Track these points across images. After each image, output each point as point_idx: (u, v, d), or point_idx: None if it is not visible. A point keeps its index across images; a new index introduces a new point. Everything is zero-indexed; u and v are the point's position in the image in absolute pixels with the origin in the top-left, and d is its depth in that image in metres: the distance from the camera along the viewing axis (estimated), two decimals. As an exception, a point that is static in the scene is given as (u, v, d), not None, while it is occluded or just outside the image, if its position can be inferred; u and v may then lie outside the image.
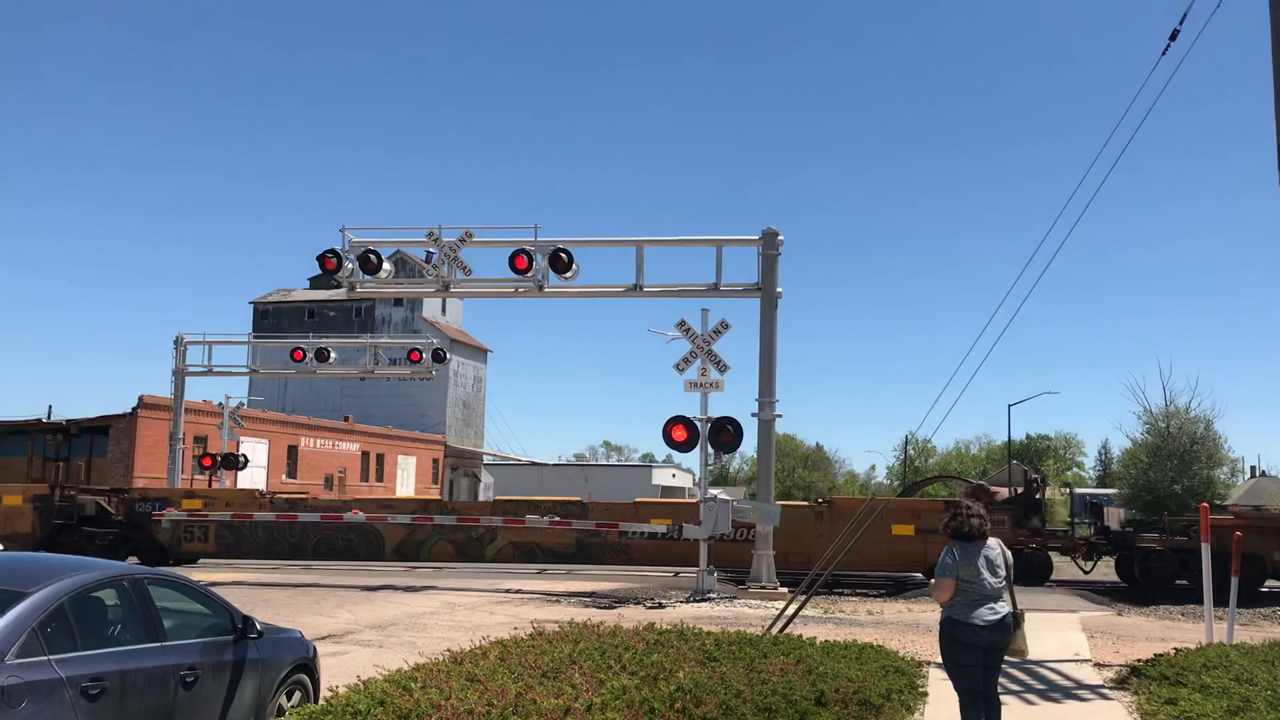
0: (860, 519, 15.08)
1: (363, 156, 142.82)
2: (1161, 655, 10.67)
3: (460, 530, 24.55)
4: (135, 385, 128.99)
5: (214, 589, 7.46)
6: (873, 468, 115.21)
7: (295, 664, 7.66)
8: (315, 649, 8.17)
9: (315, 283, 74.24)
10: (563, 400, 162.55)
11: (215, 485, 36.40)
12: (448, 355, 36.24)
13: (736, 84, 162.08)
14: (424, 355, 34.26)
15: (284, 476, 52.45)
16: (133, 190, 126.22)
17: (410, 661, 7.66)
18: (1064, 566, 24.48)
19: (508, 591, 19.85)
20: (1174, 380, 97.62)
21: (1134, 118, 12.65)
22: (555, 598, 18.99)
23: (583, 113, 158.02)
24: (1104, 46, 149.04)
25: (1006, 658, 7.23)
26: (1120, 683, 10.47)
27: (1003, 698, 7.88)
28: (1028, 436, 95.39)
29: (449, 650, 7.94)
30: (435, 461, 68.54)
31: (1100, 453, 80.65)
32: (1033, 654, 8.24)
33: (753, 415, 21.06)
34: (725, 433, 20.45)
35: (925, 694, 9.32)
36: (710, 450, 20.72)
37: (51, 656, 5.46)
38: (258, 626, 7.18)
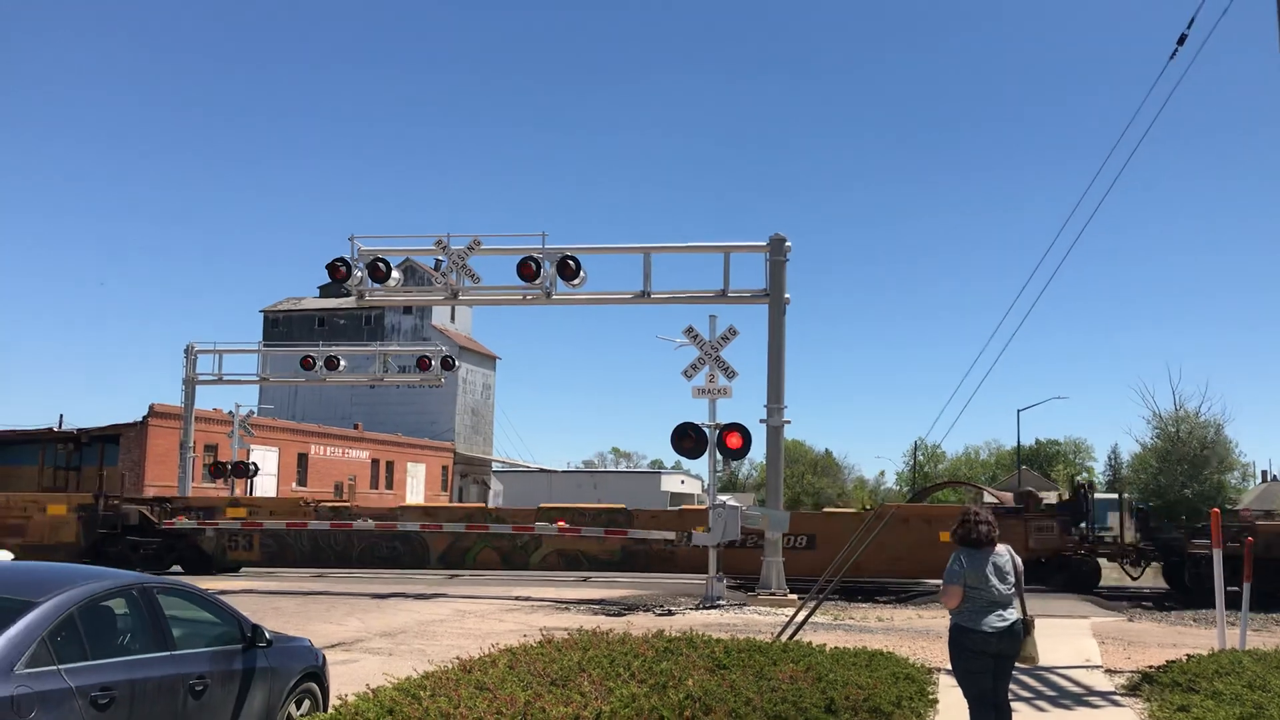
0: (869, 525, 15.04)
1: (372, 165, 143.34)
2: (1174, 661, 10.62)
3: (505, 538, 24.40)
4: (146, 394, 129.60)
5: (223, 597, 7.48)
6: (882, 474, 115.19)
7: (304, 672, 7.66)
8: (324, 657, 8.18)
9: (325, 291, 74.45)
10: (571, 407, 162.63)
11: (225, 494, 36.50)
12: (457, 362, 36.31)
13: (747, 93, 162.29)
14: (433, 363, 34.29)
15: (294, 484, 52.54)
16: (144, 200, 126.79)
17: (420, 669, 7.67)
18: (1108, 572, 24.28)
19: (517, 599, 19.85)
20: (1184, 385, 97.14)
21: (1141, 124, 12.62)
22: (565, 605, 18.98)
23: (591, 121, 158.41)
24: (1114, 56, 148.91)
25: (1017, 664, 7.20)
26: (1132, 689, 10.42)
27: (1013, 704, 7.85)
28: (1037, 441, 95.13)
29: (458, 658, 7.95)
30: (444, 468, 68.62)
31: (1110, 457, 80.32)
32: (1043, 660, 8.20)
33: (761, 421, 21.05)
34: (734, 439, 20.42)
35: (935, 701, 9.29)
36: (719, 457, 20.69)
37: (61, 666, 5.47)
38: (266, 635, 7.19)
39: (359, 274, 21.90)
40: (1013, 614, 6.97)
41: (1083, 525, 23.28)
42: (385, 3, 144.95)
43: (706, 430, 20.45)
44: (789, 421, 21.16)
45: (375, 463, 61.02)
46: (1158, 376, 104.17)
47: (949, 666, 7.33)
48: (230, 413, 40.31)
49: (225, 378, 34.92)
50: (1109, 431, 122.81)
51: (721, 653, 8.50)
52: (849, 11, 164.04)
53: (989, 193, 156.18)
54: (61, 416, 49.12)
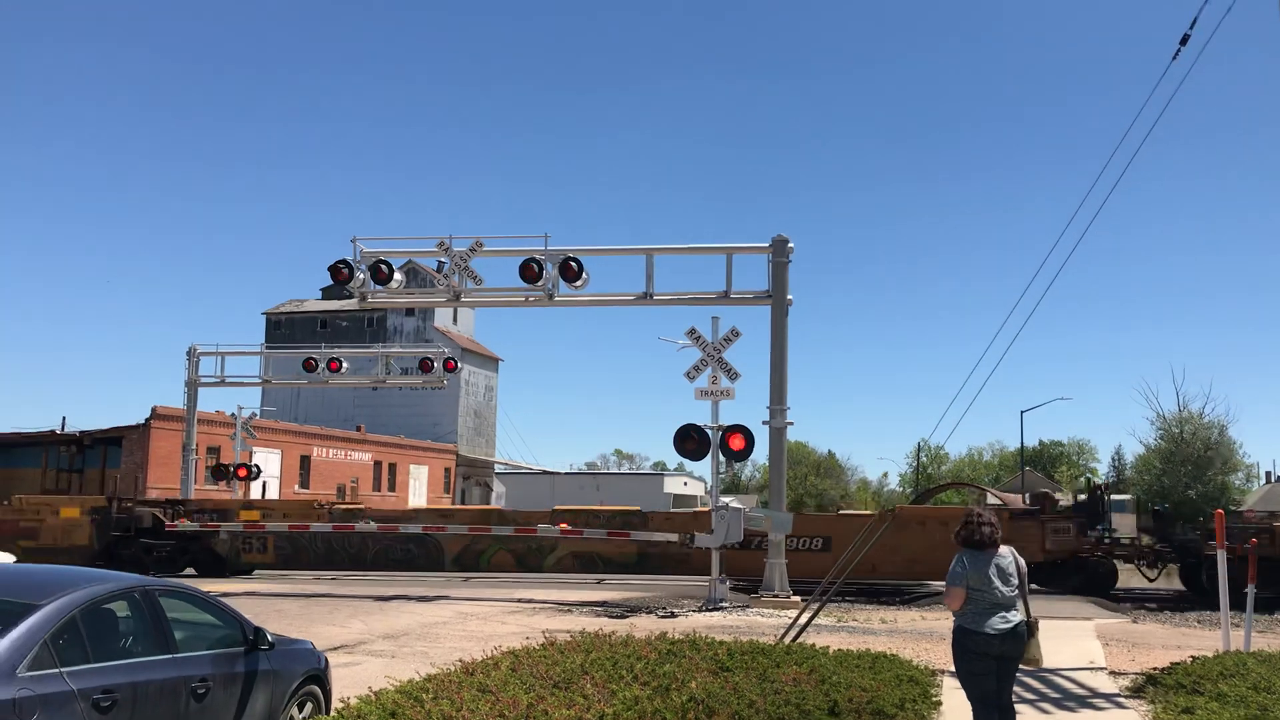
0: (872, 529, 15.01)
1: (374, 167, 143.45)
2: (1178, 663, 10.58)
3: (520, 540, 24.33)
4: (148, 396, 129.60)
5: (226, 599, 7.47)
6: (885, 475, 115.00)
7: (307, 675, 7.65)
8: (327, 660, 8.17)
9: (327, 293, 74.51)
10: (574, 409, 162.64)
11: (228, 496, 36.50)
12: (459, 364, 36.33)
13: (749, 94, 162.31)
14: (435, 364, 34.28)
15: (296, 486, 52.58)
16: (146, 202, 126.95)
17: (422, 672, 7.65)
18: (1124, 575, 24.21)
19: (520, 601, 19.83)
20: (1187, 385, 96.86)
21: (1143, 125, 12.60)
22: (567, 607, 18.96)
23: (593, 123, 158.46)
24: (1114, 57, 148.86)
25: (1021, 666, 7.18)
26: (1136, 691, 10.39)
27: (1017, 707, 7.82)
28: (1040, 442, 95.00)
29: (461, 660, 7.93)
30: (447, 471, 68.61)
31: (1114, 458, 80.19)
32: (1047, 662, 8.17)
33: (764, 423, 21.02)
34: (736, 441, 20.39)
35: (939, 703, 9.26)
36: (721, 459, 20.67)
37: (63, 669, 5.46)
38: (269, 638, 7.18)
39: (361, 276, 21.89)
40: (1016, 616, 6.95)
41: (1099, 527, 23.21)
42: (387, 6, 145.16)
43: (709, 432, 20.43)
44: (791, 423, 21.14)
45: (378, 465, 61.04)
46: (1161, 377, 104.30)
47: (953, 668, 7.31)
48: (233, 415, 40.36)
49: (227, 380, 34.94)
50: (1112, 432, 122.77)
51: (724, 655, 8.48)
52: (849, 13, 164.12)
53: (989, 193, 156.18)
54: (64, 419, 49.10)
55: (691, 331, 20.75)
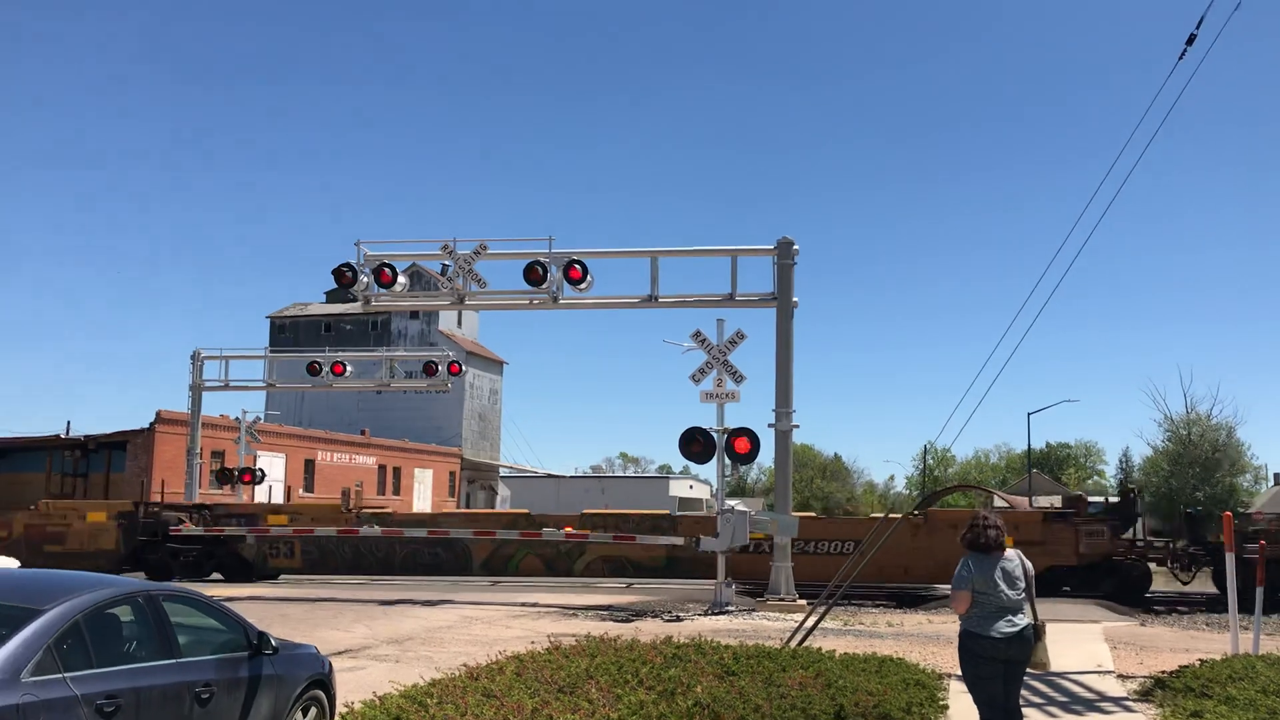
0: (879, 531, 14.95)
1: (378, 171, 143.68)
2: (1186, 667, 10.53)
3: (549, 545, 24.25)
4: (152, 400, 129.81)
5: (231, 604, 7.45)
6: (891, 478, 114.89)
7: (311, 680, 7.62)
8: (331, 664, 8.14)
9: (331, 297, 74.59)
10: (579, 412, 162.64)
11: (232, 499, 36.50)
12: (464, 368, 36.32)
13: (751, 97, 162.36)
14: (440, 368, 34.27)
15: (301, 490, 52.59)
16: (149, 206, 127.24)
17: (426, 677, 7.62)
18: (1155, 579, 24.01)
19: (525, 605, 19.79)
20: (1195, 387, 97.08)
21: (1151, 123, 12.55)
22: (572, 611, 18.92)
23: (596, 126, 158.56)
24: (1115, 56, 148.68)
25: (1028, 670, 7.13)
26: (1144, 695, 10.34)
27: (1025, 710, 7.77)
28: (1048, 445, 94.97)
29: (465, 665, 7.90)
30: (452, 474, 68.62)
31: (1121, 460, 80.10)
32: (1055, 666, 8.13)
33: (770, 426, 20.98)
34: (742, 444, 20.36)
35: (946, 707, 9.22)
36: (727, 462, 20.63)
37: (66, 674, 5.44)
38: (273, 642, 7.16)
39: (365, 279, 21.89)
40: (1023, 619, 6.91)
41: (1133, 530, 23.09)
42: (391, 10, 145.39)
43: (715, 435, 20.40)
44: (797, 426, 21.12)
45: (382, 469, 61.05)
46: (1169, 378, 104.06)
47: (960, 672, 7.27)
48: (237, 419, 40.43)
49: (232, 384, 35.00)
50: (1120, 434, 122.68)
51: (730, 659, 8.45)
52: (850, 16, 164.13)
53: (989, 193, 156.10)
54: (69, 423, 49.22)
55: (696, 334, 20.73)
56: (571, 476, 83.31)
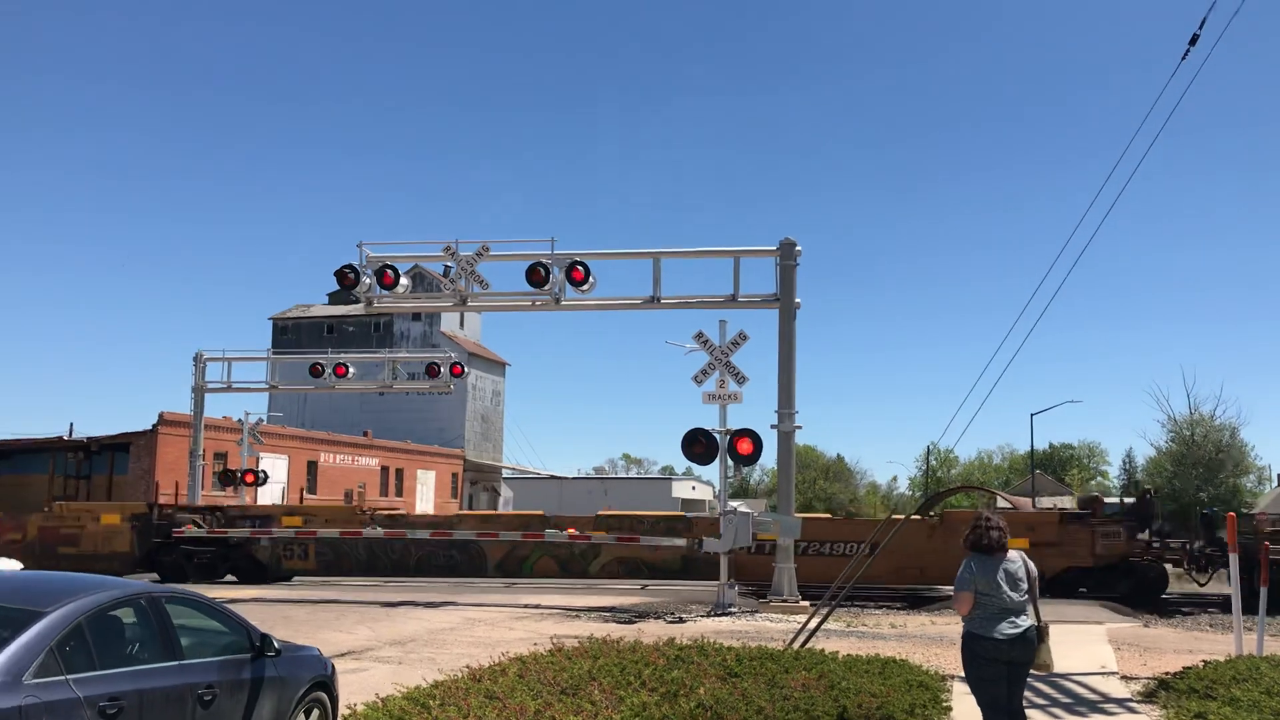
0: (883, 532, 14.94)
1: (381, 172, 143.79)
2: (1190, 668, 10.51)
3: (564, 546, 24.20)
4: (155, 402, 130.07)
5: (233, 606, 7.45)
6: (894, 479, 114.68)
7: (313, 682, 7.62)
8: (334, 666, 8.14)
9: (334, 298, 74.61)
10: (581, 413, 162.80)
11: (236, 501, 36.49)
12: (466, 369, 36.27)
13: (753, 98, 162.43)
14: (442, 369, 34.24)
15: (304, 492, 52.62)
16: (152, 207, 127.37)
17: (429, 678, 7.62)
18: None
19: (528, 607, 19.78)
20: (1198, 388, 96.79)
21: (1152, 124, 12.53)
22: (575, 613, 18.91)
23: (599, 127, 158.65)
24: (1115, 56, 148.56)
25: (1032, 671, 7.12)
26: (1148, 696, 10.31)
27: (1028, 712, 7.76)
28: (1051, 445, 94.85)
29: (468, 667, 7.90)
30: (454, 476, 68.62)
31: (1124, 461, 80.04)
32: (1058, 667, 8.11)
33: (772, 427, 20.95)
34: (745, 445, 20.34)
35: (949, 708, 9.20)
36: (730, 463, 20.61)
37: (69, 676, 5.44)
38: (275, 644, 7.15)
39: (368, 281, 21.89)
40: (1025, 621, 6.90)
41: (1149, 531, 23.02)
42: (393, 9, 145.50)
43: (717, 436, 20.39)
44: (800, 426, 21.07)
45: (385, 470, 61.06)
46: (1172, 379, 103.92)
47: (963, 674, 7.26)
48: (239, 420, 40.40)
49: (234, 385, 34.99)
50: (1123, 435, 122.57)
51: (733, 660, 8.44)
52: (850, 16, 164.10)
53: (989, 193, 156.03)
54: (71, 425, 49.29)
55: (699, 335, 20.72)
56: (574, 478, 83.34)
